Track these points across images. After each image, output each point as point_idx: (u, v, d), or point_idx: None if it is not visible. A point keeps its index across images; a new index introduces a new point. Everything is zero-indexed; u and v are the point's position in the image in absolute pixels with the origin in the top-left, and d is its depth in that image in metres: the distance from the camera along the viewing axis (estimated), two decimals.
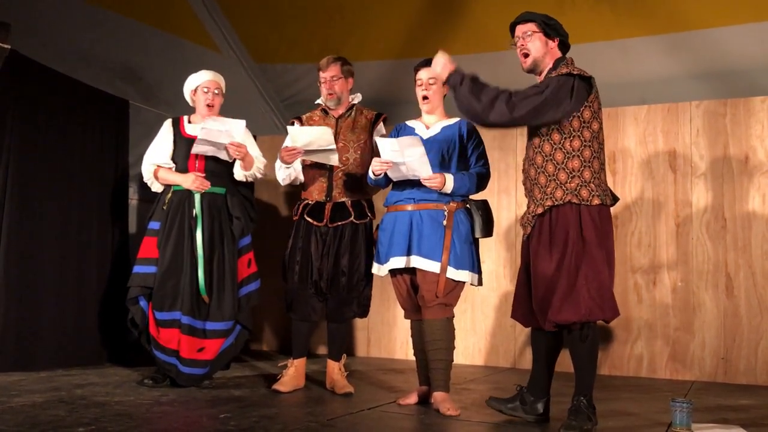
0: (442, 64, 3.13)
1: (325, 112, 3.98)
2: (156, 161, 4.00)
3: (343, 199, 3.85)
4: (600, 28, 4.86)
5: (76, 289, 4.52)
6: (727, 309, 4.64)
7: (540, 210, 3.01)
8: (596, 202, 2.94)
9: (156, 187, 4.04)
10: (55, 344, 4.34)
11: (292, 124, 3.98)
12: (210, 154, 3.89)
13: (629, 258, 4.90)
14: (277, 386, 3.78)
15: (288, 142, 3.81)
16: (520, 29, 3.14)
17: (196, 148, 3.84)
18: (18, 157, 4.18)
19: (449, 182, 3.40)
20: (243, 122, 3.85)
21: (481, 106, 2.99)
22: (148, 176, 4.01)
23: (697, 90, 4.94)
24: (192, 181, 3.91)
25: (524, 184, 3.18)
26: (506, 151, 5.29)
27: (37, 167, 4.30)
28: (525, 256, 3.14)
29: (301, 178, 3.96)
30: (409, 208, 3.50)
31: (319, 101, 4.00)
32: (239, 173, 4.03)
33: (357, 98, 4.01)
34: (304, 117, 4.03)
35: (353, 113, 3.95)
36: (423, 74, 3.59)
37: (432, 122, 3.64)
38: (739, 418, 3.32)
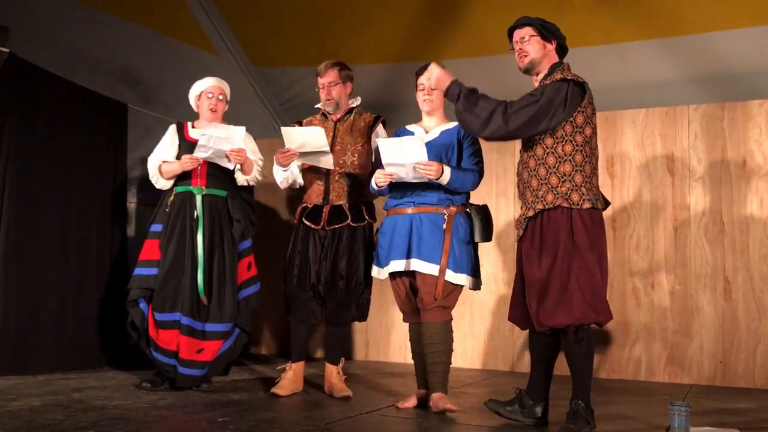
0: (436, 76, 3.14)
1: (324, 116, 3.99)
2: (161, 158, 4.03)
3: (340, 202, 3.85)
4: (598, 32, 4.87)
5: (75, 292, 4.51)
6: (725, 312, 4.64)
7: (531, 213, 3.03)
8: (587, 205, 2.94)
9: (161, 184, 4.04)
10: (53, 348, 4.33)
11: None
12: (211, 160, 3.90)
13: (627, 261, 4.91)
14: (275, 390, 3.77)
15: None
16: (517, 34, 3.16)
17: (197, 153, 3.86)
18: (17, 160, 4.18)
19: (446, 173, 3.39)
20: (242, 128, 3.88)
21: (479, 122, 3.00)
22: (153, 172, 4.03)
23: (695, 93, 4.95)
24: (182, 162, 3.92)
25: (517, 186, 3.21)
26: (504, 154, 5.30)
27: (35, 170, 4.29)
28: (519, 259, 3.15)
29: (301, 181, 3.97)
30: (409, 211, 3.50)
31: (318, 105, 4.01)
32: (240, 178, 4.06)
33: (356, 102, 4.02)
34: (304, 121, 4.05)
35: (352, 116, 3.96)
36: (425, 79, 3.57)
37: (431, 126, 3.65)
38: (737, 421, 3.32)
